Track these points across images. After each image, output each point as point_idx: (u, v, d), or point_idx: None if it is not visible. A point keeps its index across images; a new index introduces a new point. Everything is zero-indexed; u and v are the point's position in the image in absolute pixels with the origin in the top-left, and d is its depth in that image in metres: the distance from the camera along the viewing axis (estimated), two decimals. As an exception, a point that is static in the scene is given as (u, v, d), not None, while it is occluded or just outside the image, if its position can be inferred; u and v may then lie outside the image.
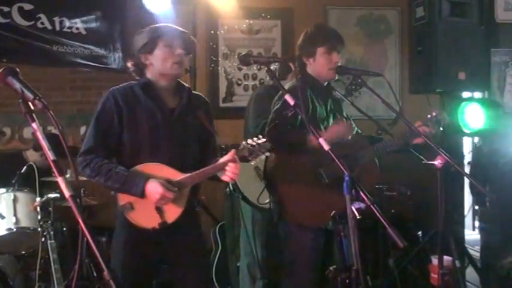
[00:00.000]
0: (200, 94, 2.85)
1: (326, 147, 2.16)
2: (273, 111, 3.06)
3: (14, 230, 3.81)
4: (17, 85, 1.75)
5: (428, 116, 3.02)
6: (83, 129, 5.36)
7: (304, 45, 3.19)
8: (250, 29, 5.47)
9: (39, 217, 3.74)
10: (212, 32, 5.46)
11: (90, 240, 1.49)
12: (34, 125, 1.71)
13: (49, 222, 3.77)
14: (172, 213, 2.49)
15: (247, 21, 5.46)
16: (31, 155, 4.40)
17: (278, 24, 5.56)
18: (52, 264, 3.61)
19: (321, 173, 3.00)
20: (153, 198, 2.43)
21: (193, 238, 2.69)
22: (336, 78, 3.22)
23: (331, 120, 3.17)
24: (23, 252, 3.99)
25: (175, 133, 2.58)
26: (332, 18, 5.61)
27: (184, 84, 2.73)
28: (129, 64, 2.68)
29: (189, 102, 2.66)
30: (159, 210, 2.47)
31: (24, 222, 3.86)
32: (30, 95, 1.72)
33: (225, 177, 2.52)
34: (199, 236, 2.78)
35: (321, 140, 2.18)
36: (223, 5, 5.12)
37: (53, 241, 3.68)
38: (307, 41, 3.18)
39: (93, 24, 5.01)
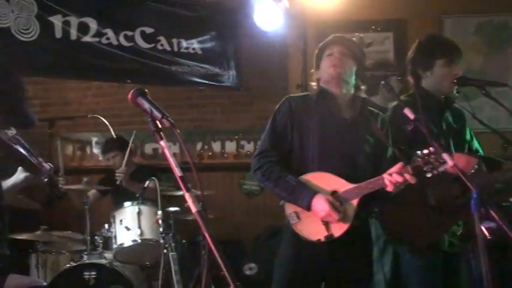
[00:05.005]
0: (374, 109, 2.71)
1: (450, 163, 2.07)
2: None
3: (139, 241, 4.00)
4: (146, 105, 1.85)
5: None
6: (199, 145, 5.59)
7: (420, 58, 3.06)
8: (361, 42, 5.39)
9: (161, 229, 3.93)
10: (323, 46, 5.46)
11: (217, 255, 1.53)
12: (162, 142, 1.79)
13: (170, 234, 3.96)
14: (340, 226, 2.42)
15: (357, 34, 5.40)
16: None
17: (390, 36, 5.46)
18: (174, 275, 3.76)
19: (428, 194, 2.84)
20: (319, 215, 2.41)
21: (359, 257, 2.57)
22: (456, 91, 3.08)
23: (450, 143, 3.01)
24: (147, 263, 4.19)
25: (346, 144, 2.54)
26: (448, 27, 5.39)
27: (360, 95, 2.68)
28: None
29: (362, 114, 2.60)
30: (326, 222, 2.43)
31: (148, 234, 4.04)
32: (158, 114, 1.81)
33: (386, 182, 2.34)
34: (367, 255, 2.63)
35: (445, 155, 2.09)
36: (333, 19, 5.11)
37: (174, 253, 3.84)
38: (424, 53, 3.05)
39: (208, 44, 5.19)
